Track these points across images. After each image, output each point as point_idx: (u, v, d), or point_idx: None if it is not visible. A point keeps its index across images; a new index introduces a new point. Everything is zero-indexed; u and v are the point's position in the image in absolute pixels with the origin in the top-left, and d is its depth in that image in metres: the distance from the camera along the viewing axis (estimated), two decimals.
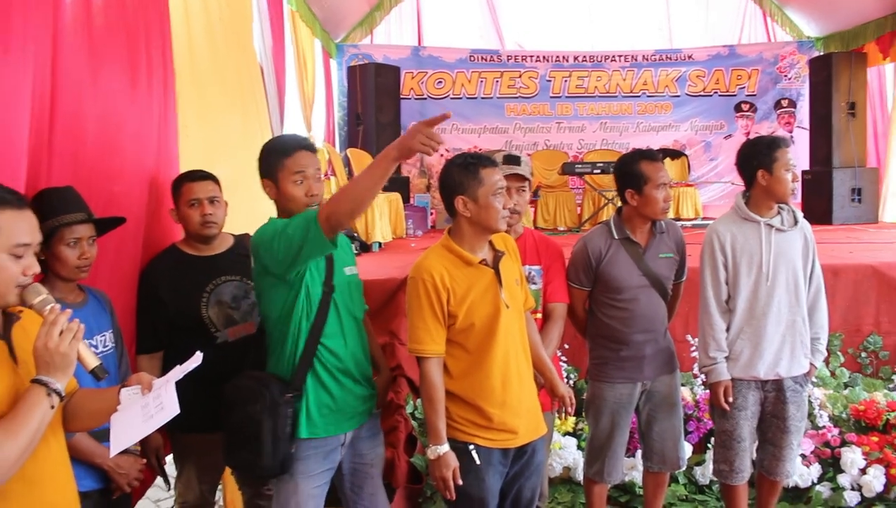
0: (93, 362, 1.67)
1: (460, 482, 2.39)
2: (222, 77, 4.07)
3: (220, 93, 4.03)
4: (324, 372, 2.46)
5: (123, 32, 2.79)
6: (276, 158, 2.47)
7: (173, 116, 3.21)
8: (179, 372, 1.78)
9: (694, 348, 3.97)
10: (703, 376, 3.97)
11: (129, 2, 2.84)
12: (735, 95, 10.47)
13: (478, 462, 2.43)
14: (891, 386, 4.14)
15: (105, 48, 2.64)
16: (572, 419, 3.89)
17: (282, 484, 2.45)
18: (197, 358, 1.82)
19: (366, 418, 2.61)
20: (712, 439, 3.75)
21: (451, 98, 10.23)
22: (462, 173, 2.42)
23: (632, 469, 3.73)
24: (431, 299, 2.39)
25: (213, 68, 3.89)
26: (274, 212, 2.56)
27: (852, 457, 3.74)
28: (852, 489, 3.73)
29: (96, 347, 2.26)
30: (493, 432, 2.45)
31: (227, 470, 3.18)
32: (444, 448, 2.40)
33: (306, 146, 2.52)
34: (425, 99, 10.15)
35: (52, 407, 1.56)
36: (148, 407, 1.72)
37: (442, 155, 10.24)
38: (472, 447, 2.44)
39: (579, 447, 3.80)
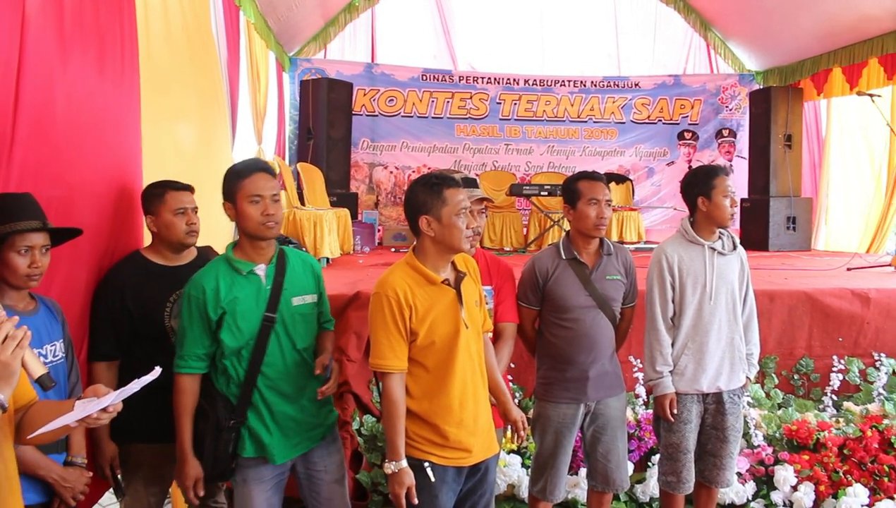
0: (39, 371, 1.62)
1: (415, 501, 2.40)
2: (181, 85, 4.03)
3: (179, 101, 3.99)
4: (263, 401, 2.56)
5: (94, 33, 2.74)
6: (235, 181, 2.53)
7: (138, 123, 3.17)
8: (137, 384, 1.76)
9: (636, 368, 4.08)
10: (644, 395, 4.10)
11: (99, 4, 2.80)
12: (678, 124, 10.77)
13: (432, 479, 2.45)
14: (821, 406, 4.32)
15: (73, 49, 2.59)
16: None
17: (237, 489, 2.58)
18: (155, 373, 1.80)
19: (314, 443, 2.68)
20: (653, 457, 3.86)
21: (403, 116, 10.29)
22: (426, 193, 2.45)
23: (575, 487, 3.79)
24: (395, 314, 2.40)
25: (172, 76, 3.85)
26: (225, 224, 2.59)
27: (785, 475, 3.88)
28: (784, 505, 3.88)
29: (45, 356, 2.21)
30: (448, 450, 2.48)
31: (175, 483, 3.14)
32: (402, 464, 2.41)
33: (263, 169, 2.58)
34: (377, 116, 10.18)
35: None
36: (88, 410, 1.69)
37: (392, 172, 10.32)
38: (427, 464, 2.45)
39: (524, 464, 3.84)
